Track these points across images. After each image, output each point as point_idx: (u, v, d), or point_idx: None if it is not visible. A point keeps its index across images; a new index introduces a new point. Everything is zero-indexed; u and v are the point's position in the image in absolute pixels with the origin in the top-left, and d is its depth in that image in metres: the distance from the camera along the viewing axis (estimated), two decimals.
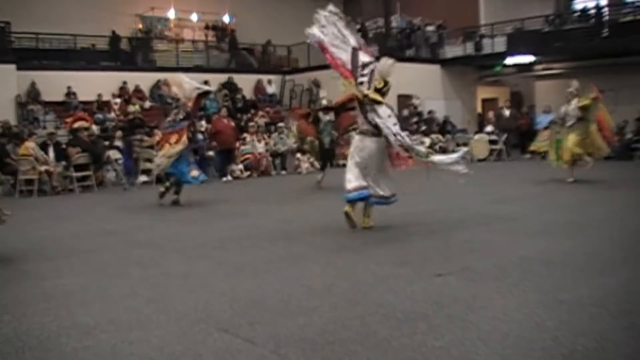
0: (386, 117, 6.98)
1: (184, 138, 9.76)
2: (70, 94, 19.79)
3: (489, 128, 19.49)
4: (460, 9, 24.07)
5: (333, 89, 14.11)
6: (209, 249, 6.50)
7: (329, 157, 12.82)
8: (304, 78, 24.25)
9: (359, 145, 7.22)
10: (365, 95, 7.02)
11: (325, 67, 24.40)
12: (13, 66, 18.66)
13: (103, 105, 19.65)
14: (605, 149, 11.53)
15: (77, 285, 5.12)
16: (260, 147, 16.51)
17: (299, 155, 16.53)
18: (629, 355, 3.28)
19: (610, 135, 11.79)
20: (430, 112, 21.47)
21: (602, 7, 20.63)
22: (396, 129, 6.91)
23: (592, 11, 20.94)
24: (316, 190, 12.09)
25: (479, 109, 25.52)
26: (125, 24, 23.68)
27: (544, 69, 22.34)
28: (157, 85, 21.98)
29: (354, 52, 7.23)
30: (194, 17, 25.80)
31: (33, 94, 19.28)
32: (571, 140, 11.20)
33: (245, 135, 16.80)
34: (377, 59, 7.34)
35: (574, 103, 11.27)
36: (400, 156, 7.16)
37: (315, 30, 7.28)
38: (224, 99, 21.91)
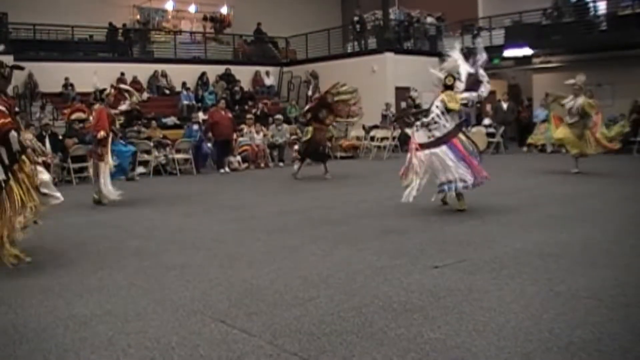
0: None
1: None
2: (67, 85, 19.73)
3: (487, 121, 19.47)
4: (459, 1, 24.00)
5: (330, 81, 14.08)
6: (205, 240, 6.51)
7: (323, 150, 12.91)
8: (301, 70, 24.21)
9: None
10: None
11: (323, 59, 24.33)
12: (10, 57, 18.54)
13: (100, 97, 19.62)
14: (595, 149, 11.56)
15: (73, 276, 5.13)
16: (258, 139, 16.48)
17: (296, 147, 16.50)
18: (625, 347, 3.28)
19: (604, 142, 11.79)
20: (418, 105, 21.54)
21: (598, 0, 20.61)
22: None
23: (590, 4, 20.91)
24: (312, 182, 12.09)
25: None
26: (122, 15, 23.62)
27: (541, 62, 22.30)
28: (154, 77, 21.96)
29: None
30: (192, 8, 25.74)
31: (30, 85, 19.22)
32: (570, 137, 11.27)
33: (242, 126, 16.77)
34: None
35: (581, 100, 11.25)
36: None
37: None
38: (223, 92, 21.91)
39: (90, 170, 13.54)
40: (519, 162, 14.96)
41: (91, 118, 10.49)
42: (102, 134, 9.39)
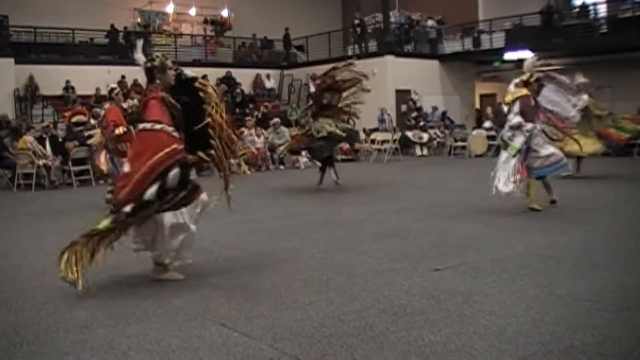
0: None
1: None
2: (68, 88, 19.75)
3: (487, 124, 19.47)
4: (459, 4, 24.07)
5: None
6: (205, 243, 6.49)
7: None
8: (302, 73, 24.26)
9: None
10: None
11: (323, 62, 24.42)
12: (11, 60, 18.64)
13: (101, 99, 19.64)
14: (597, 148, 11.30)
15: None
16: (259, 142, 16.49)
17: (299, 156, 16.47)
18: (625, 350, 3.28)
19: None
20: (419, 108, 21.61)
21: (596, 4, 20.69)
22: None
23: (591, 7, 20.99)
24: (312, 185, 12.05)
25: (477, 105, 25.54)
26: (123, 18, 23.68)
27: (542, 65, 22.33)
28: None
29: None
30: (192, 11, 25.79)
31: (31, 88, 19.25)
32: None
33: (243, 129, 16.78)
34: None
35: (585, 98, 11.17)
36: None
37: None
38: (223, 94, 21.95)
39: (91, 173, 13.66)
40: None
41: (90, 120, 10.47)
42: (120, 129, 9.35)
